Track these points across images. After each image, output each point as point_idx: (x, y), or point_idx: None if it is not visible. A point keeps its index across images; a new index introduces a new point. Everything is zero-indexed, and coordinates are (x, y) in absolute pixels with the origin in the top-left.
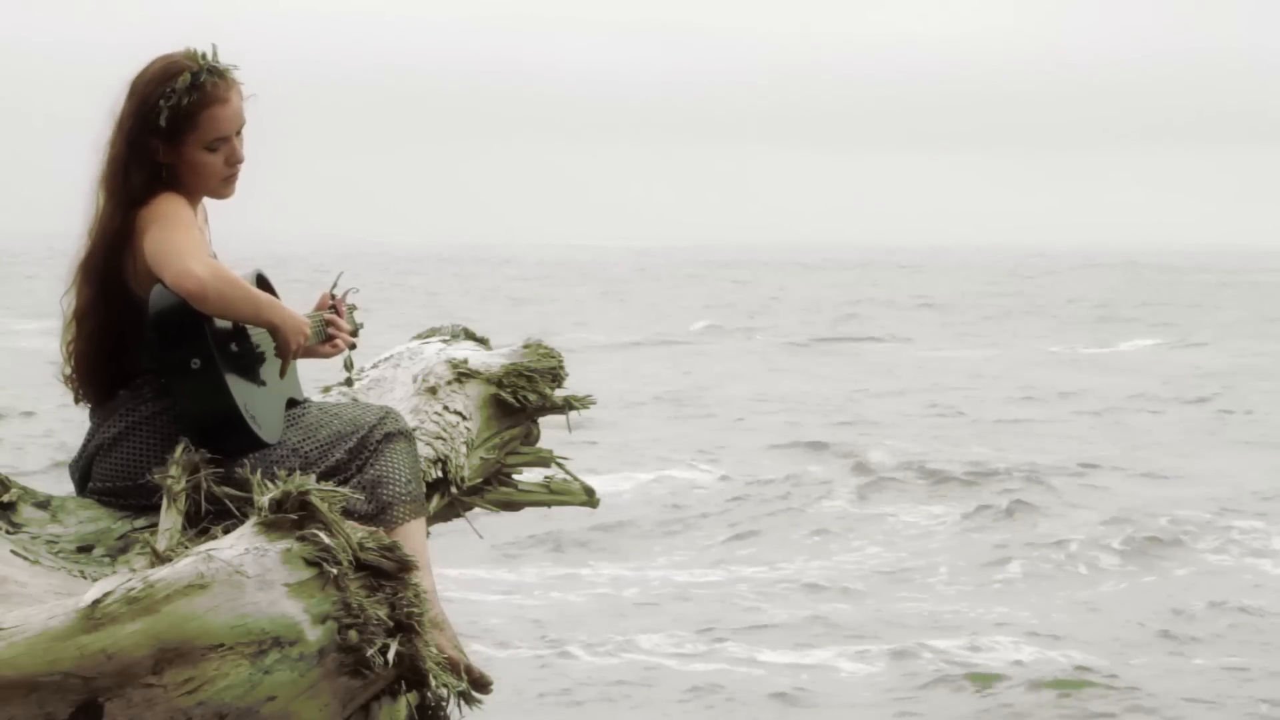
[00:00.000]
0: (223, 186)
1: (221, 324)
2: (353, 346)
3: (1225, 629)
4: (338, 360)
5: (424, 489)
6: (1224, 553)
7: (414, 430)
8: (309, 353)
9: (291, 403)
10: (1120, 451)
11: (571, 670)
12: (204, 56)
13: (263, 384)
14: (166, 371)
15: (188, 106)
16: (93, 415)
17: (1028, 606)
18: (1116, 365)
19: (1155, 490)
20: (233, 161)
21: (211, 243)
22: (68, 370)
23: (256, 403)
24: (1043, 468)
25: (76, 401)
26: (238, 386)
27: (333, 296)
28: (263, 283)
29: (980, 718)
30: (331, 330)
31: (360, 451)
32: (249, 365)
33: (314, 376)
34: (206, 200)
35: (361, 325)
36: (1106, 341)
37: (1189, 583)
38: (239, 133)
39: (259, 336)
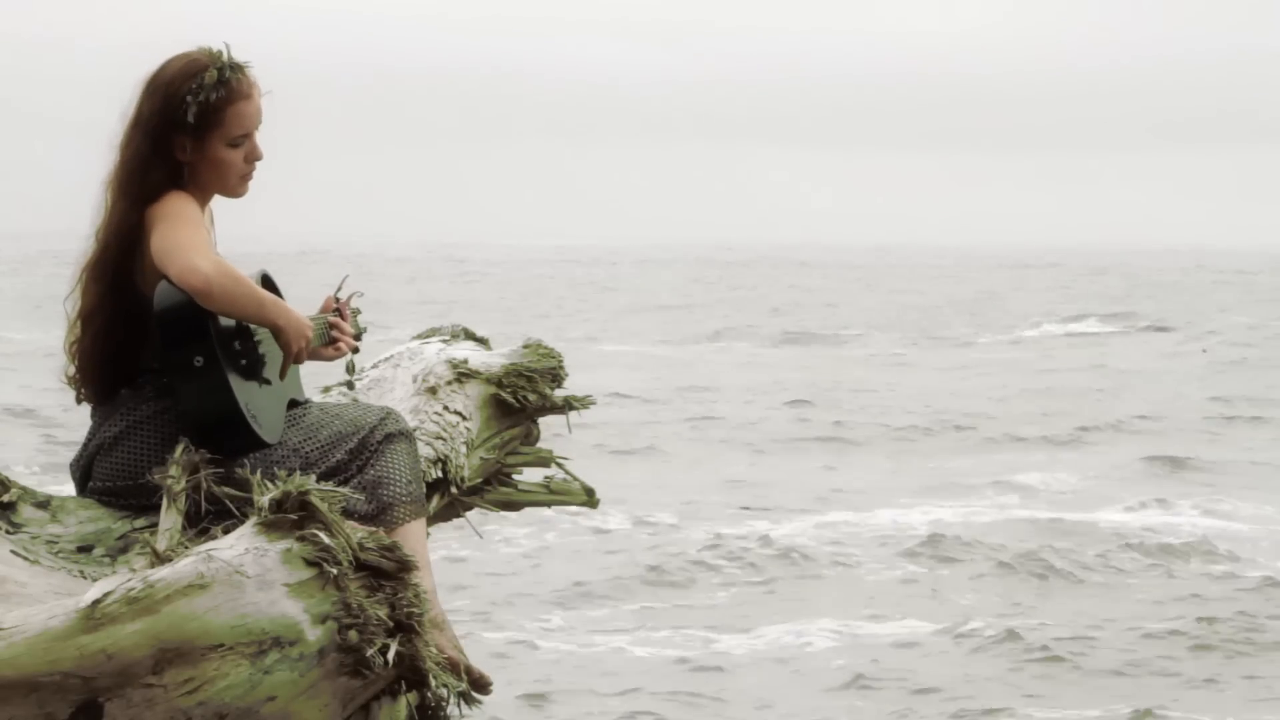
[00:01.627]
0: (240, 184)
1: (226, 323)
2: (355, 350)
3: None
4: (339, 362)
5: (424, 490)
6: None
7: (414, 430)
8: (312, 355)
9: (293, 403)
10: None
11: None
12: (222, 54)
13: (265, 384)
14: (169, 369)
15: (215, 102)
16: (94, 414)
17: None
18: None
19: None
20: (252, 158)
21: (216, 244)
22: (71, 370)
23: (258, 403)
24: None
25: (79, 401)
26: (240, 386)
27: (337, 300)
28: (268, 283)
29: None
30: (335, 333)
31: (361, 452)
32: (252, 365)
33: (314, 372)
34: (216, 201)
35: (365, 329)
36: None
37: None
38: (258, 129)
39: (262, 337)
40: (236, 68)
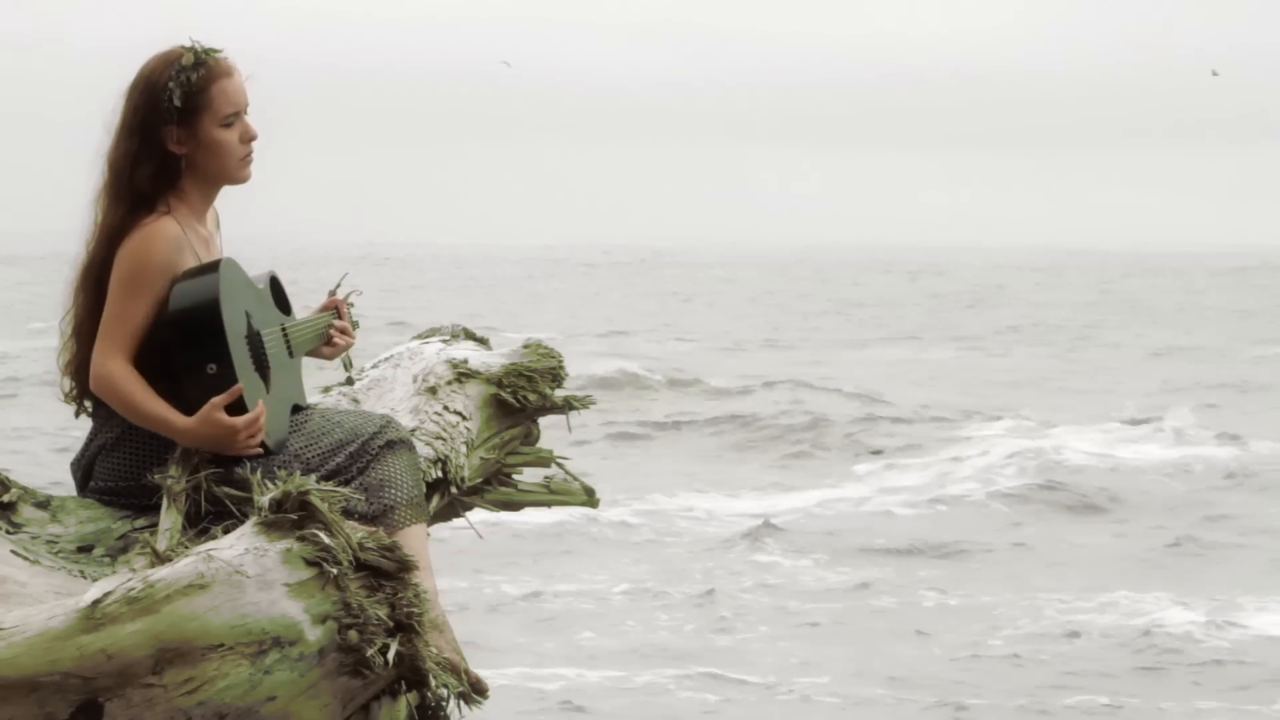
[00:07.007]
0: (241, 167)
1: (237, 328)
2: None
3: None
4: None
5: (424, 494)
6: None
7: (414, 430)
8: (312, 353)
9: (295, 408)
10: None
11: None
12: (194, 41)
13: (268, 393)
14: (181, 372)
15: (198, 81)
16: (95, 416)
17: None
18: None
19: None
20: (247, 138)
21: (222, 250)
22: (68, 386)
23: (267, 412)
24: None
25: (78, 415)
26: (249, 395)
27: (334, 294)
28: (275, 286)
29: None
30: (332, 332)
31: (361, 456)
32: (261, 373)
33: (316, 373)
34: (219, 206)
35: (356, 324)
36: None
37: None
38: (247, 111)
39: (271, 343)
40: (211, 50)
